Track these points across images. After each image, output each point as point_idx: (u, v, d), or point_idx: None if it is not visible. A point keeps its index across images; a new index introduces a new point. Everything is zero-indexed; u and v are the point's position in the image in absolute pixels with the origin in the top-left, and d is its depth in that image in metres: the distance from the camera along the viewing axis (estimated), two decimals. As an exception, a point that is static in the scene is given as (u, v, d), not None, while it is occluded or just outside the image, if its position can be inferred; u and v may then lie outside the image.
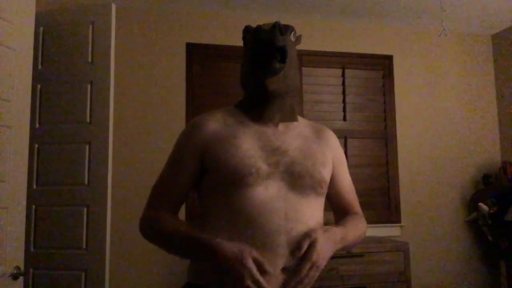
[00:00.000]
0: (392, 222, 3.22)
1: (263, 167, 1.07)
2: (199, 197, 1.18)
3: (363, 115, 3.28)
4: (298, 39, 1.21)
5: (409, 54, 3.43)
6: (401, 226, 3.23)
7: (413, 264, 3.20)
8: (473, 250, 3.35)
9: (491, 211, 3.02)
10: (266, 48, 1.10)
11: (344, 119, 3.24)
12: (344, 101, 3.25)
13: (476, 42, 3.59)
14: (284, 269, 1.04)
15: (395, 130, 3.32)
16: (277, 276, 1.03)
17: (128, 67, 2.95)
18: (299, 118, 1.23)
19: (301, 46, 3.18)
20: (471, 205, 3.33)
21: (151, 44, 3.00)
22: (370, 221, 3.18)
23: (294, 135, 1.17)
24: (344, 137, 3.21)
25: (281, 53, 1.10)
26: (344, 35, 3.33)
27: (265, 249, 1.02)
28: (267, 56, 1.10)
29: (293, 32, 1.16)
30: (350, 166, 3.22)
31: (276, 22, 1.12)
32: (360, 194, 3.19)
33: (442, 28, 2.29)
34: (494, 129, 3.52)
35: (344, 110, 3.25)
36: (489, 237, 3.09)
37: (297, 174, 1.09)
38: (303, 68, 3.20)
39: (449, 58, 3.51)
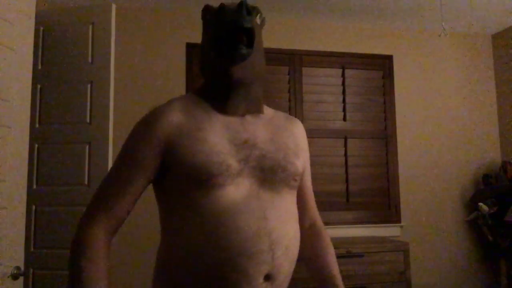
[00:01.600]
0: (392, 222, 3.23)
1: (233, 164, 0.94)
2: (159, 203, 1.02)
3: (363, 115, 3.29)
4: (263, 22, 1.08)
5: (409, 54, 3.43)
6: (401, 226, 3.23)
7: (413, 264, 3.20)
8: (473, 250, 3.35)
9: (491, 211, 3.02)
10: (231, 30, 0.97)
11: (344, 119, 3.24)
12: (344, 101, 3.25)
13: (476, 42, 3.59)
14: (267, 277, 0.93)
15: (395, 130, 3.32)
16: (260, 285, 0.92)
17: (128, 67, 2.95)
18: (266, 107, 1.13)
19: (301, 46, 3.21)
20: (471, 205, 3.33)
21: (151, 44, 3.00)
22: (370, 221, 3.18)
23: (263, 125, 1.05)
24: (344, 137, 3.21)
25: (248, 36, 0.98)
26: (344, 35, 3.33)
27: (245, 257, 0.89)
28: (233, 40, 0.97)
29: (259, 14, 1.04)
30: (350, 166, 3.24)
31: (242, 0, 0.98)
32: (360, 194, 3.23)
33: (442, 28, 2.29)
34: (494, 129, 3.53)
35: (344, 110, 3.25)
36: (489, 237, 3.09)
37: (268, 169, 0.97)
38: (303, 68, 3.21)
39: (449, 58, 3.51)
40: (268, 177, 0.97)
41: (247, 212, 0.92)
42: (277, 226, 0.94)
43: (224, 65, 0.97)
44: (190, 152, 0.93)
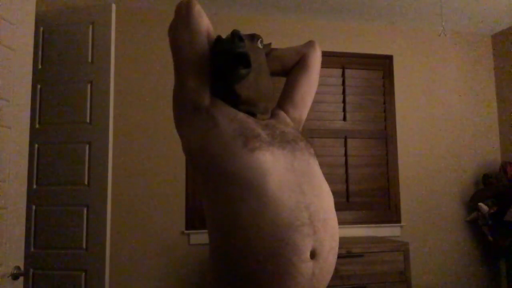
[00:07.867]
0: (392, 222, 3.23)
1: (262, 134, 1.03)
2: (205, 192, 1.04)
3: (363, 115, 3.29)
4: (267, 46, 1.23)
5: (409, 54, 3.43)
6: (401, 226, 3.23)
7: (413, 264, 3.20)
8: (473, 250, 3.35)
9: (491, 211, 3.02)
10: (227, 57, 1.07)
11: (344, 119, 3.24)
12: (344, 101, 3.25)
13: (476, 42, 3.59)
14: (312, 254, 0.94)
15: (395, 130, 3.32)
16: (307, 263, 0.92)
17: (128, 67, 2.95)
18: None
19: (301, 46, 3.20)
20: (471, 205, 3.33)
21: (151, 44, 3.00)
22: (370, 221, 3.19)
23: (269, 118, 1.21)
24: (344, 137, 3.21)
25: (244, 59, 1.07)
26: (344, 35, 3.34)
27: (291, 230, 0.91)
28: (230, 64, 1.07)
29: (259, 40, 1.18)
30: (350, 166, 3.24)
31: (233, 30, 1.10)
32: (360, 194, 3.23)
33: (442, 28, 2.29)
34: (494, 129, 3.53)
35: (344, 110, 3.25)
36: (489, 237, 3.09)
37: (292, 141, 1.06)
38: (303, 68, 3.20)
39: (449, 58, 3.51)
40: (296, 147, 1.05)
41: (286, 185, 0.95)
42: (313, 199, 0.97)
43: (229, 86, 1.09)
44: (223, 116, 1.05)
